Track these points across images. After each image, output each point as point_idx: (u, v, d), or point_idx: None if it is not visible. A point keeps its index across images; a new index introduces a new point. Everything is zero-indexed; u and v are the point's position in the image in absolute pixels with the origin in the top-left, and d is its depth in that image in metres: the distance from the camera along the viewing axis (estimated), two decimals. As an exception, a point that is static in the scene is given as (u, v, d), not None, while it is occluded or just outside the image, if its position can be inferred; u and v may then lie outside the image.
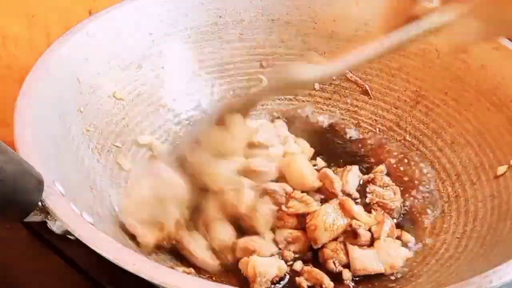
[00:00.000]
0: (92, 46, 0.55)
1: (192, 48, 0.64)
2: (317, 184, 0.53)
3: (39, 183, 0.38)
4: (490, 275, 0.36)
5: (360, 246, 0.48)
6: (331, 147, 0.61)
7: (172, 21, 0.62)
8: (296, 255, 0.49)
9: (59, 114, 0.48)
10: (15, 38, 0.56)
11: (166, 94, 0.61)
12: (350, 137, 0.63)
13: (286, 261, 0.48)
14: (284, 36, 0.67)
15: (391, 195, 0.54)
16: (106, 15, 0.57)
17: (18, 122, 0.43)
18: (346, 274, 0.47)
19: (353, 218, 0.49)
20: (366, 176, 0.57)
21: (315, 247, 0.48)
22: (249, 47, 0.66)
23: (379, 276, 0.47)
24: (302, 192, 0.52)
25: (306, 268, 0.47)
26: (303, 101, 0.65)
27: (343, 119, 0.64)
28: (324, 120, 0.64)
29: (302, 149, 0.59)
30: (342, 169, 0.56)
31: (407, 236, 0.51)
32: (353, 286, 0.47)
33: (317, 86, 0.66)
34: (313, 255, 0.49)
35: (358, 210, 0.50)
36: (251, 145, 0.54)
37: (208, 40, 0.64)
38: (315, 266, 0.48)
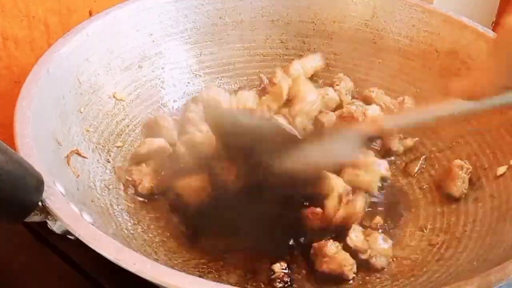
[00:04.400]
0: (92, 47, 0.55)
1: (192, 49, 0.64)
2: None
3: (39, 183, 0.37)
4: (490, 275, 0.36)
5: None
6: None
7: (172, 22, 0.62)
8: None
9: (59, 114, 0.48)
10: (15, 38, 0.56)
11: (166, 95, 0.61)
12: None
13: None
14: (284, 37, 0.67)
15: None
16: (106, 16, 0.57)
17: (18, 122, 0.43)
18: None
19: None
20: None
21: None
22: (249, 48, 0.66)
23: (378, 273, 0.47)
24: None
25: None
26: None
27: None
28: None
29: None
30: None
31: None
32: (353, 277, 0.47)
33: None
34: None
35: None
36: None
37: (208, 41, 0.64)
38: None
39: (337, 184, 0.50)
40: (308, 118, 0.60)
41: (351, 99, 0.63)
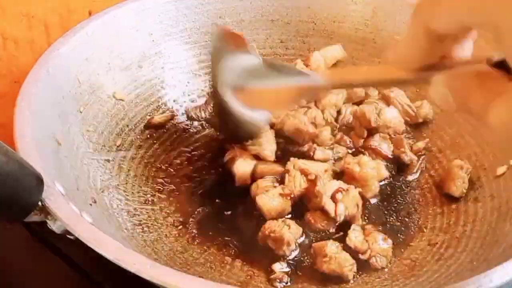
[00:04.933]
0: (92, 46, 0.55)
1: (192, 49, 0.64)
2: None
3: (39, 183, 0.38)
4: (490, 275, 0.36)
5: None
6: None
7: (172, 22, 0.62)
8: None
9: (59, 114, 0.48)
10: (15, 38, 0.56)
11: (166, 95, 0.61)
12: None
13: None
14: (284, 37, 0.67)
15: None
16: (106, 16, 0.57)
17: (18, 122, 0.43)
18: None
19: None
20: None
21: None
22: (249, 48, 0.66)
23: (378, 273, 0.47)
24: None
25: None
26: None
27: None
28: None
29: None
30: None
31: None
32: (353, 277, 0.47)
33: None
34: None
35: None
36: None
37: (208, 41, 0.64)
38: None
39: (324, 187, 0.50)
40: (335, 109, 0.60)
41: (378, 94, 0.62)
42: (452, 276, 0.44)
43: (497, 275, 0.36)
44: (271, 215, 0.50)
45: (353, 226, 0.49)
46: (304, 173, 0.52)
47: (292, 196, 0.51)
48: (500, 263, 0.38)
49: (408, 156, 0.57)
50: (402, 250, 0.50)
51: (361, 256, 0.47)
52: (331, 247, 0.47)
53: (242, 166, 0.53)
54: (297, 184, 0.51)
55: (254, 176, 0.54)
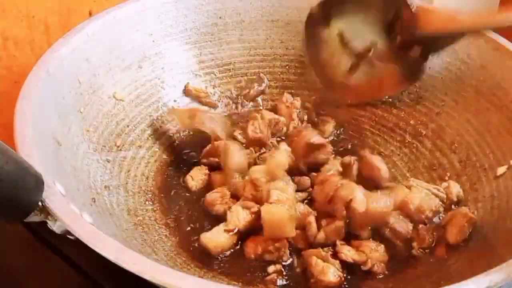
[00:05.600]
0: (92, 47, 0.55)
1: (192, 49, 0.64)
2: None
3: (39, 183, 0.38)
4: (490, 275, 0.36)
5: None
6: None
7: (172, 22, 0.62)
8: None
9: (59, 114, 0.48)
10: (15, 39, 0.56)
11: (166, 95, 0.61)
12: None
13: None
14: (284, 37, 0.67)
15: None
16: (106, 16, 0.57)
17: (18, 122, 0.43)
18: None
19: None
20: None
21: None
22: (249, 48, 0.66)
23: (378, 278, 0.47)
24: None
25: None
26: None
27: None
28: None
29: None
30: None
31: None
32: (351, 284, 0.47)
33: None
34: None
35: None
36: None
37: (208, 41, 0.64)
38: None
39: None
40: None
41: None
42: (452, 276, 0.44)
43: (497, 275, 0.36)
44: (218, 251, 0.48)
45: (338, 242, 0.48)
46: (254, 187, 0.50)
47: (236, 231, 0.48)
48: (500, 263, 0.38)
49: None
50: (402, 250, 0.50)
51: (363, 268, 0.47)
52: (321, 255, 0.46)
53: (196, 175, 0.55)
54: (240, 218, 0.49)
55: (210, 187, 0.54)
